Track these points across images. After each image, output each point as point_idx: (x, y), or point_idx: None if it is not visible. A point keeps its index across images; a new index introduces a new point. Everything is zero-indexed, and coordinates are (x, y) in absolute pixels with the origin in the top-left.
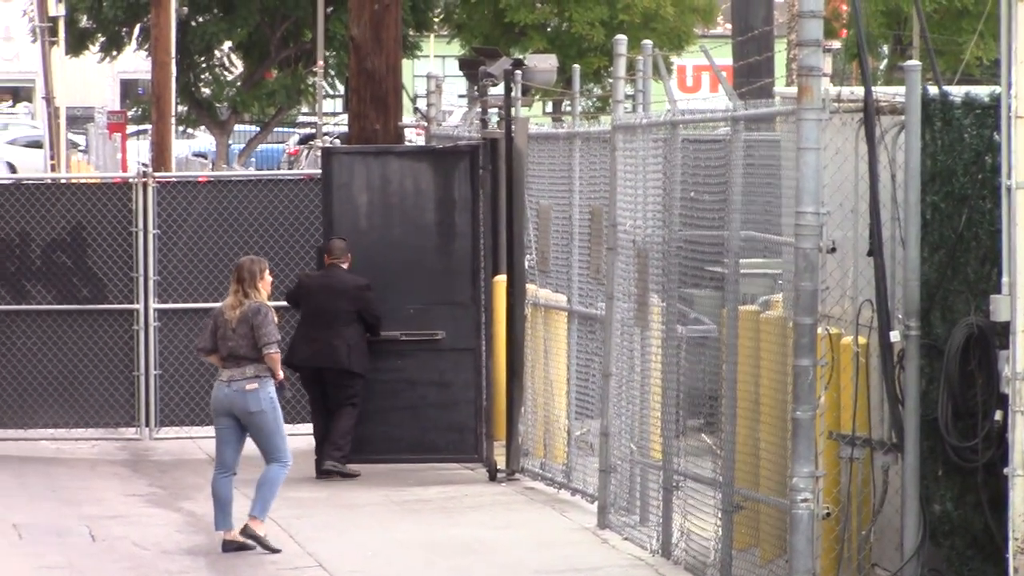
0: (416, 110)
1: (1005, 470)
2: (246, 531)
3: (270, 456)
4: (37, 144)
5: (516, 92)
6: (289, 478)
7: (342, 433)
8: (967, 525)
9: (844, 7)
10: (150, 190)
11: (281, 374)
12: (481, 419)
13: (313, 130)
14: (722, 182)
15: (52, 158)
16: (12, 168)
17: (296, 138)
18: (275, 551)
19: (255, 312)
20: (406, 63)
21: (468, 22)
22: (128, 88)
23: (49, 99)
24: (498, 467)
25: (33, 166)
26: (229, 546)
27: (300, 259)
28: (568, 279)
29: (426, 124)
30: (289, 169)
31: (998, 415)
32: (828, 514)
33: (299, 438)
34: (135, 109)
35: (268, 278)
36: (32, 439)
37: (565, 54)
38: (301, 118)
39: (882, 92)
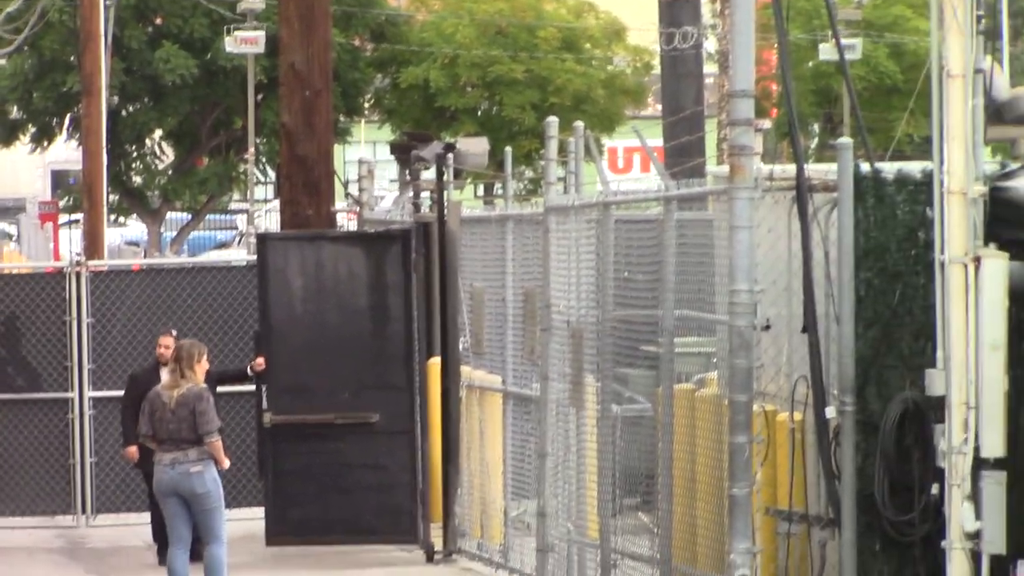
0: (348, 195)
1: (943, 543)
2: None
3: (211, 535)
4: None
5: (448, 175)
6: (230, 563)
7: None
8: None
9: (774, 86)
10: (83, 279)
11: (226, 462)
12: (417, 501)
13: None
14: (655, 261)
15: None
16: None
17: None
18: None
19: (198, 397)
20: (337, 148)
21: (399, 107)
22: (59, 178)
23: None
24: (435, 548)
25: None
26: None
27: (235, 345)
28: (503, 360)
29: (358, 209)
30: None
31: (935, 489)
32: None
33: (236, 523)
34: (67, 199)
35: (205, 363)
36: None
37: (496, 137)
38: (232, 205)
39: (814, 170)
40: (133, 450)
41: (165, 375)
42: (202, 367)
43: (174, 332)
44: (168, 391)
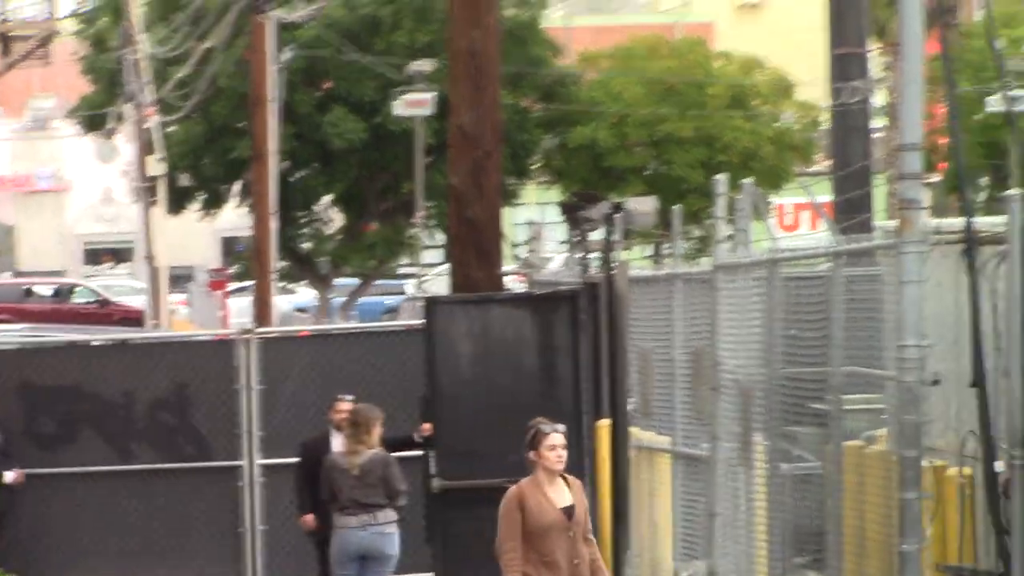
0: (517, 257)
1: None
2: None
3: None
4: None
5: (616, 235)
6: None
7: None
8: None
9: (942, 140)
10: (253, 346)
11: None
12: None
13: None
14: (823, 318)
15: (154, 317)
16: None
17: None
18: None
19: (386, 463)
20: (506, 210)
21: (567, 167)
22: (229, 244)
23: (151, 259)
24: None
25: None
26: None
27: (405, 410)
28: (671, 420)
29: (527, 271)
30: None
31: None
32: None
33: None
34: (236, 265)
35: (380, 428)
36: None
37: (664, 196)
38: (400, 270)
39: (983, 223)
40: (310, 518)
41: (340, 440)
42: (377, 432)
43: (350, 397)
44: (348, 457)
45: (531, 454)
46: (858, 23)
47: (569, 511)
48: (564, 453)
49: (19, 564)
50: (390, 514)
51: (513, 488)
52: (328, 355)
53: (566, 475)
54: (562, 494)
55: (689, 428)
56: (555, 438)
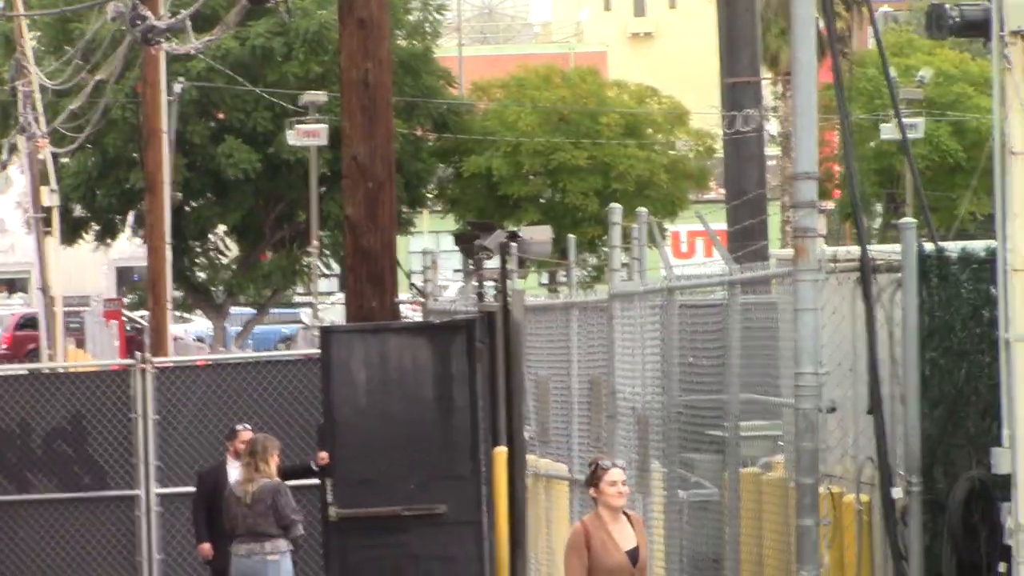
0: (412, 286)
1: None
2: None
3: None
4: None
5: (512, 264)
6: None
7: None
8: None
9: (837, 167)
10: (148, 376)
11: None
12: None
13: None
14: (720, 346)
15: (49, 347)
16: None
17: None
18: None
19: (276, 491)
20: (401, 239)
21: (462, 196)
22: (123, 275)
23: (45, 289)
24: None
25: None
26: None
27: (300, 439)
28: (568, 448)
29: (423, 300)
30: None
31: (1002, 567)
32: None
33: None
34: (131, 296)
35: (277, 458)
36: None
37: (559, 224)
38: (296, 298)
39: (878, 250)
40: (207, 547)
41: (237, 469)
42: (275, 461)
43: (249, 426)
44: (242, 486)
45: (591, 491)
46: (751, 53)
47: (634, 554)
48: (625, 489)
49: None
50: (279, 543)
51: (577, 526)
52: (224, 384)
53: (628, 512)
54: (626, 534)
55: (587, 455)
56: (615, 474)
